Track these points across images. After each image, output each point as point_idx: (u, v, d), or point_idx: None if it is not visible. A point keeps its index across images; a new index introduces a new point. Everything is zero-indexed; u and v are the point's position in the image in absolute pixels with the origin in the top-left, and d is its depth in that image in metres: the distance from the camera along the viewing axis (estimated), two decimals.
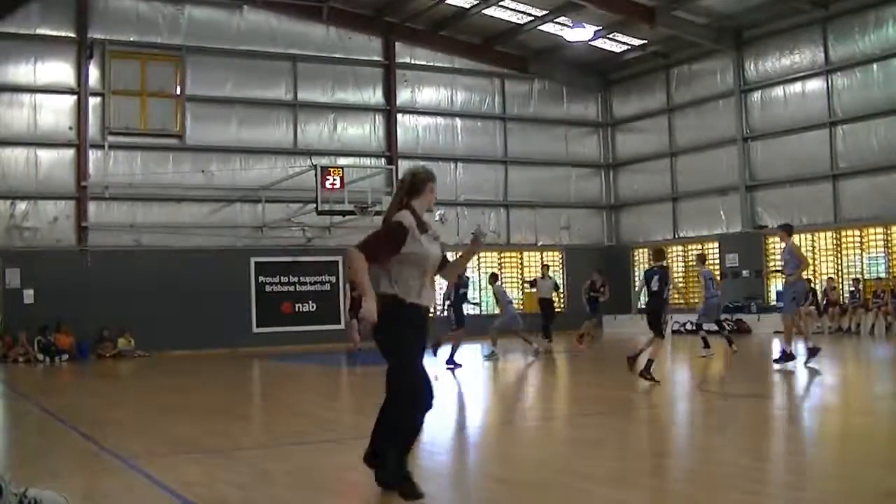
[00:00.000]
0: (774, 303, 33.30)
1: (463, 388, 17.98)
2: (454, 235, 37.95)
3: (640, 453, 10.14)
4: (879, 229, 31.58)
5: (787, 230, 18.66)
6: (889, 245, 31.27)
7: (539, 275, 31.66)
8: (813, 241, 32.83)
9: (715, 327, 24.03)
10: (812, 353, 18.00)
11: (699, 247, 37.26)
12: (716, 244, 36.56)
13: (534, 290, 29.80)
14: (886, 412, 13.03)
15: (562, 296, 36.10)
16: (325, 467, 9.62)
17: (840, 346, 25.07)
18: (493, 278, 26.37)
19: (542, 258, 40.20)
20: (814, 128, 33.05)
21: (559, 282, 33.44)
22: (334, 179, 31.58)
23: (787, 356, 17.65)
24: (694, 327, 28.85)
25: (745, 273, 35.20)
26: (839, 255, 32.75)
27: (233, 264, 33.62)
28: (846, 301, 31.09)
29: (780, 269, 20.44)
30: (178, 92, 33.63)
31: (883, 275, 31.22)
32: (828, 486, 8.04)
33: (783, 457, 9.77)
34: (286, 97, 35.83)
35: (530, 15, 35.97)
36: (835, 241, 32.84)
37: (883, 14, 31.06)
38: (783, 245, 18.88)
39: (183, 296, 31.93)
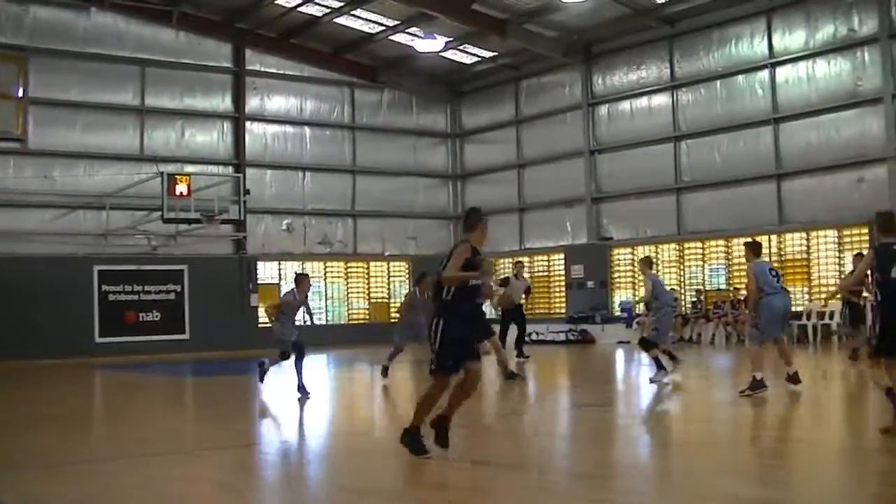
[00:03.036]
0: (619, 313, 33.46)
1: (312, 396, 17.27)
2: (301, 244, 37.20)
3: (494, 464, 9.87)
4: (720, 242, 31.70)
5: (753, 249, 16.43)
6: (729, 257, 31.53)
7: (512, 273, 26.38)
8: (657, 252, 32.85)
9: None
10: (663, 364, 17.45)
11: (546, 258, 37.23)
12: (562, 255, 36.44)
13: (501, 289, 24.82)
14: (728, 420, 13.03)
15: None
16: (170, 478, 9.15)
17: (682, 356, 24.96)
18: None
19: (388, 268, 39.65)
20: (659, 142, 33.13)
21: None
22: (182, 187, 30.56)
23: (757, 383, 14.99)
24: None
25: (590, 284, 34.96)
26: (682, 267, 32.81)
27: (75, 272, 31.80)
28: (688, 312, 31.28)
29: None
30: (21, 94, 31.59)
31: (723, 286, 31.47)
32: (674, 492, 8.15)
33: (629, 464, 9.80)
34: (133, 102, 34.18)
35: (382, 25, 35.09)
36: (678, 253, 32.96)
37: (726, 33, 31.30)
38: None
39: (23, 304, 30.06)
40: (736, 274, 30.87)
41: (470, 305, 9.79)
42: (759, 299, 14.97)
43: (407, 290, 32.59)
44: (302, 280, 17.55)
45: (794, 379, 14.90)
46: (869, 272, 11.08)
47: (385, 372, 19.71)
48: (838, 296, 22.11)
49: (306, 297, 17.51)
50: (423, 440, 9.48)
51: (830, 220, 27.92)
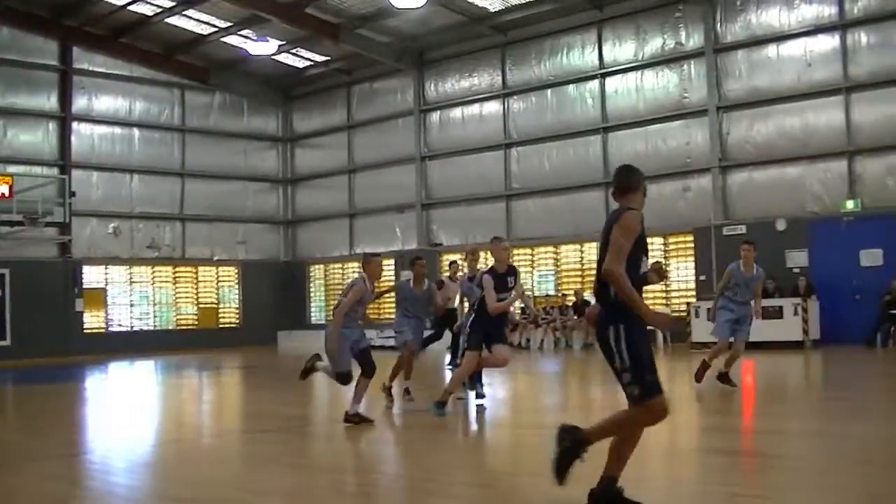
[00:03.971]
0: None
1: (138, 403, 16.42)
2: (128, 248, 35.85)
3: (318, 469, 9.64)
4: (549, 248, 31.78)
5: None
6: (558, 263, 31.61)
7: (448, 274, 22.60)
8: (486, 258, 32.65)
9: None
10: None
11: None
12: (392, 261, 35.99)
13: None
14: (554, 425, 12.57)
15: (235, 311, 34.74)
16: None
17: (512, 361, 24.75)
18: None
19: (217, 273, 38.57)
20: (490, 149, 32.99)
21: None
22: (3, 188, 29.08)
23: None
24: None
25: None
26: None
27: None
28: (517, 317, 31.14)
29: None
30: None
31: (552, 292, 31.50)
32: (500, 496, 7.95)
33: (456, 468, 9.46)
34: None
35: (214, 26, 33.84)
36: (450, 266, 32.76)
37: (558, 43, 31.34)
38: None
39: None
40: (564, 280, 30.98)
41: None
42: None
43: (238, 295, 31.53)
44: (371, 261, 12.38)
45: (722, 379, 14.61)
46: None
47: (407, 392, 14.80)
48: None
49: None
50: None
51: (657, 227, 28.13)
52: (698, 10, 28.33)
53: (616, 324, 6.53)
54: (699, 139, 28.35)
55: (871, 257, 24.78)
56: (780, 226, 26.10)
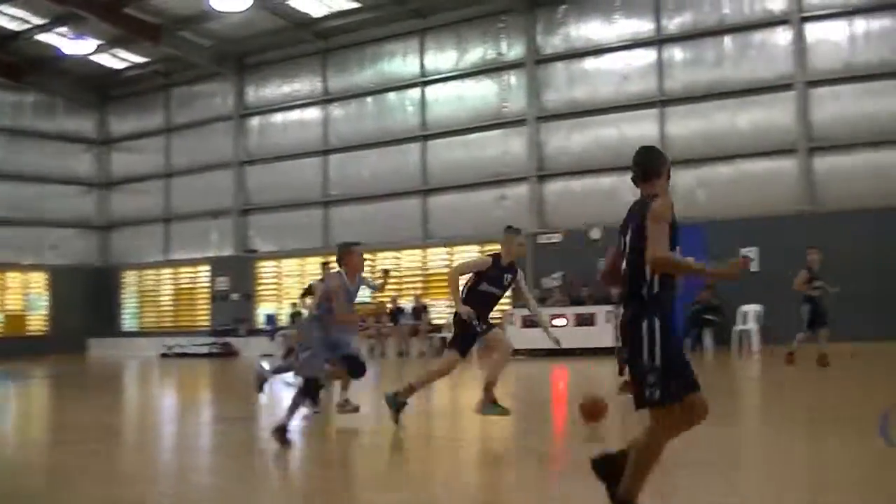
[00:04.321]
0: (263, 326, 32.40)
1: None
2: None
3: (125, 480, 8.66)
4: (366, 255, 31.16)
5: None
6: (374, 271, 31.10)
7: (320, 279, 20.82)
8: (302, 265, 32.12)
9: None
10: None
11: (191, 269, 35.67)
12: (207, 267, 34.98)
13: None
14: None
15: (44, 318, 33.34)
16: None
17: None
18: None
19: (25, 279, 36.80)
20: (309, 155, 32.17)
21: None
22: None
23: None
24: None
25: (234, 296, 33.56)
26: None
27: None
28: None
29: None
30: None
31: (368, 299, 30.90)
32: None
33: (271, 478, 8.90)
34: None
35: (28, 22, 31.86)
36: (323, 266, 32.13)
37: (380, 50, 30.87)
38: None
39: None
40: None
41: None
42: None
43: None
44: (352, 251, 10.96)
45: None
46: None
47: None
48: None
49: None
50: None
51: (473, 235, 27.89)
52: (520, 22, 28.14)
53: (651, 317, 5.76)
54: (517, 148, 28.16)
55: None
56: (595, 234, 26.11)
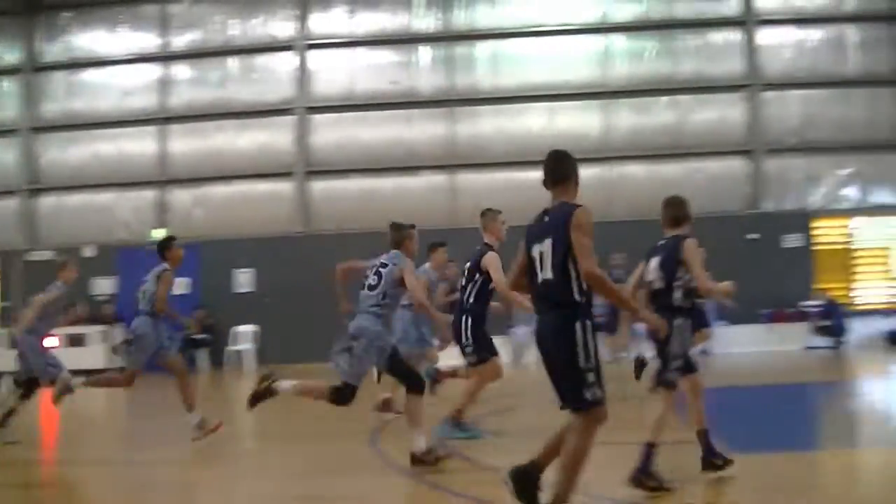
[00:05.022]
0: None
1: None
2: None
3: None
4: None
5: None
6: None
7: None
8: None
9: None
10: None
11: None
12: None
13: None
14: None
15: None
16: None
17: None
18: None
19: None
20: None
21: None
22: None
23: None
24: None
25: None
26: None
27: None
28: None
29: None
30: None
31: None
32: None
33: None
34: None
35: None
36: None
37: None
38: None
39: None
40: None
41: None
42: None
43: None
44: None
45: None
46: None
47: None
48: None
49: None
50: None
51: None
52: (18, 25, 26.54)
53: (584, 321, 5.91)
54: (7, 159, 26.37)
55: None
56: (89, 252, 24.89)
